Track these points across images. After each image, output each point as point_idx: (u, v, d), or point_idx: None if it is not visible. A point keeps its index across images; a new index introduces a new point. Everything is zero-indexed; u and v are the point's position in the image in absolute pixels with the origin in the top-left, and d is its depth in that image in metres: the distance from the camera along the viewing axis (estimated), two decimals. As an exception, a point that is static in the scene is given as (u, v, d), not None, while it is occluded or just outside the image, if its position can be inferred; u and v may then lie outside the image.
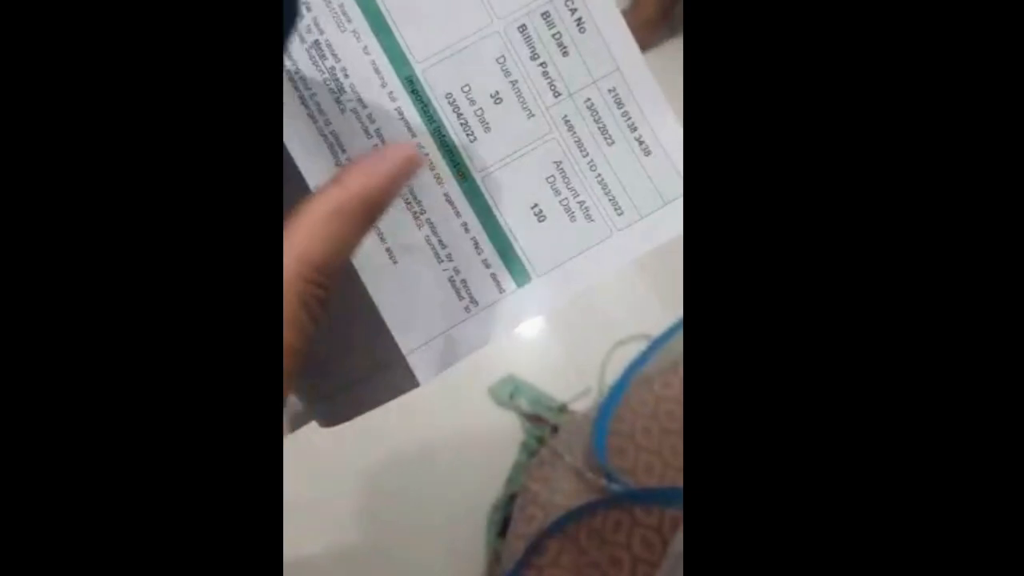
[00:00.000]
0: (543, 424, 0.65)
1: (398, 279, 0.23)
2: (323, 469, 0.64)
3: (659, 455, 0.56)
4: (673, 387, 0.60)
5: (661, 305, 0.68)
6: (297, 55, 0.22)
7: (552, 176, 0.24)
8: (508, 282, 0.24)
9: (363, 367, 0.24)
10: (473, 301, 0.24)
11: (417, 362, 0.23)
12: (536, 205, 0.24)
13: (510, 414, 0.67)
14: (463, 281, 0.24)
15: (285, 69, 0.22)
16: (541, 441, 0.63)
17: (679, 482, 0.55)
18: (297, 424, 0.26)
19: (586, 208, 0.24)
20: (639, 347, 0.66)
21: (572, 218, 0.24)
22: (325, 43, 0.22)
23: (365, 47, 0.23)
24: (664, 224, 0.24)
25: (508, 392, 0.67)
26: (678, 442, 0.58)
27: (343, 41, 0.22)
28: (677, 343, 0.65)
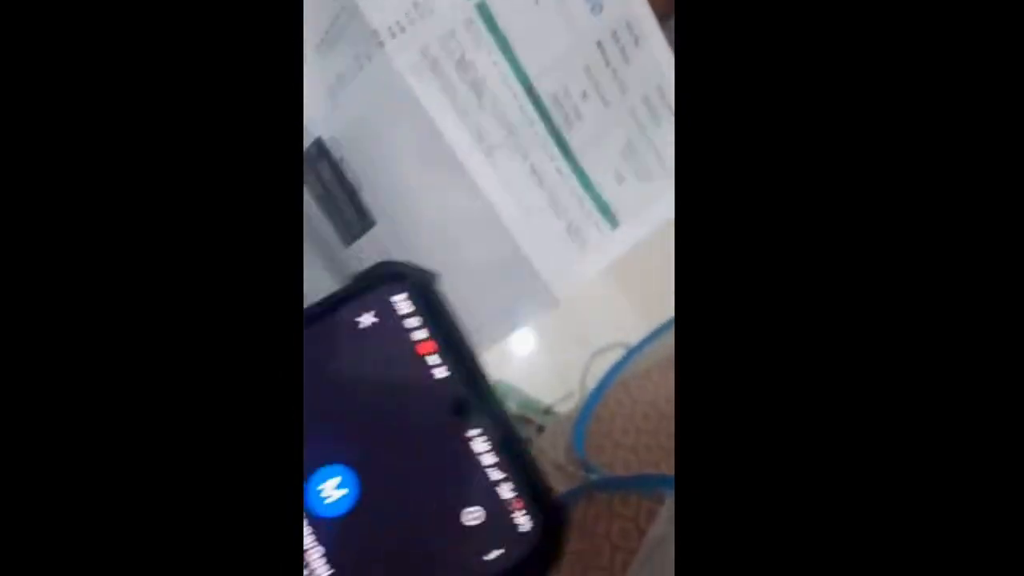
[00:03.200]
0: (530, 424, 0.68)
1: (532, 230, 0.33)
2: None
3: (635, 452, 0.59)
4: (648, 391, 0.63)
5: (637, 317, 0.71)
6: (447, 71, 0.30)
7: (625, 150, 0.33)
8: (605, 227, 0.33)
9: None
10: (584, 241, 0.33)
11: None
12: (617, 171, 0.33)
13: (500, 416, 0.71)
14: (576, 229, 0.33)
15: (442, 86, 0.30)
16: (528, 440, 0.67)
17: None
18: None
19: (648, 172, 0.33)
20: (617, 355, 0.68)
21: (639, 179, 0.33)
22: (469, 60, 0.30)
23: (495, 62, 0.30)
24: None
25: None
26: (652, 440, 0.60)
27: (480, 57, 0.30)
28: (651, 351, 0.67)
